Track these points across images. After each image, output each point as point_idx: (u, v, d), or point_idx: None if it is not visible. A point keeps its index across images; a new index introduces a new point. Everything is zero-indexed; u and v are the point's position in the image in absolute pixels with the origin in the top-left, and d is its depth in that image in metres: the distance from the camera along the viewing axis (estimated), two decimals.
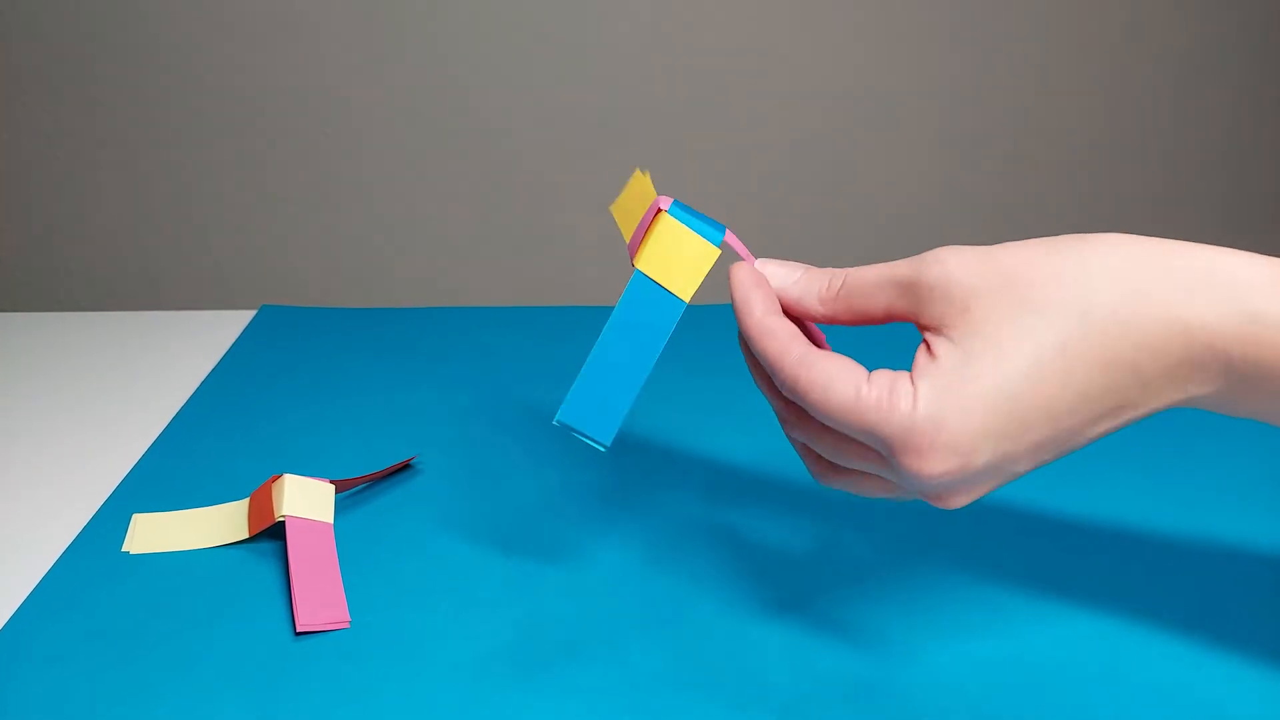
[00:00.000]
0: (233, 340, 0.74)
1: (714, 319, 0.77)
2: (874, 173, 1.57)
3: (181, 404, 0.65)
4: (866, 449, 0.36)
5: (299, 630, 0.44)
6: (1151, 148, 1.60)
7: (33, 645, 0.43)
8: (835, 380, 0.35)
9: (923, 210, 1.60)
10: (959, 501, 0.36)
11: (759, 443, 0.60)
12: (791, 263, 0.40)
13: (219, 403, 0.64)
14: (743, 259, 0.40)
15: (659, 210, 0.39)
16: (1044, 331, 0.34)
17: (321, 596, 0.45)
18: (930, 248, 1.61)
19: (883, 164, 1.57)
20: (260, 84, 1.49)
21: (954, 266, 0.35)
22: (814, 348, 0.37)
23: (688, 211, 0.40)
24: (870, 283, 0.37)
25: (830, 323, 0.39)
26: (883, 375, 0.35)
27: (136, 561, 0.49)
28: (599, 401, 0.39)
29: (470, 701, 0.40)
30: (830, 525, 0.52)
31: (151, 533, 0.51)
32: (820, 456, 0.39)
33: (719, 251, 0.39)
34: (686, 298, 0.39)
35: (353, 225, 1.56)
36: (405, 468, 0.57)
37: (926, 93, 1.55)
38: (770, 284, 0.39)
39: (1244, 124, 1.60)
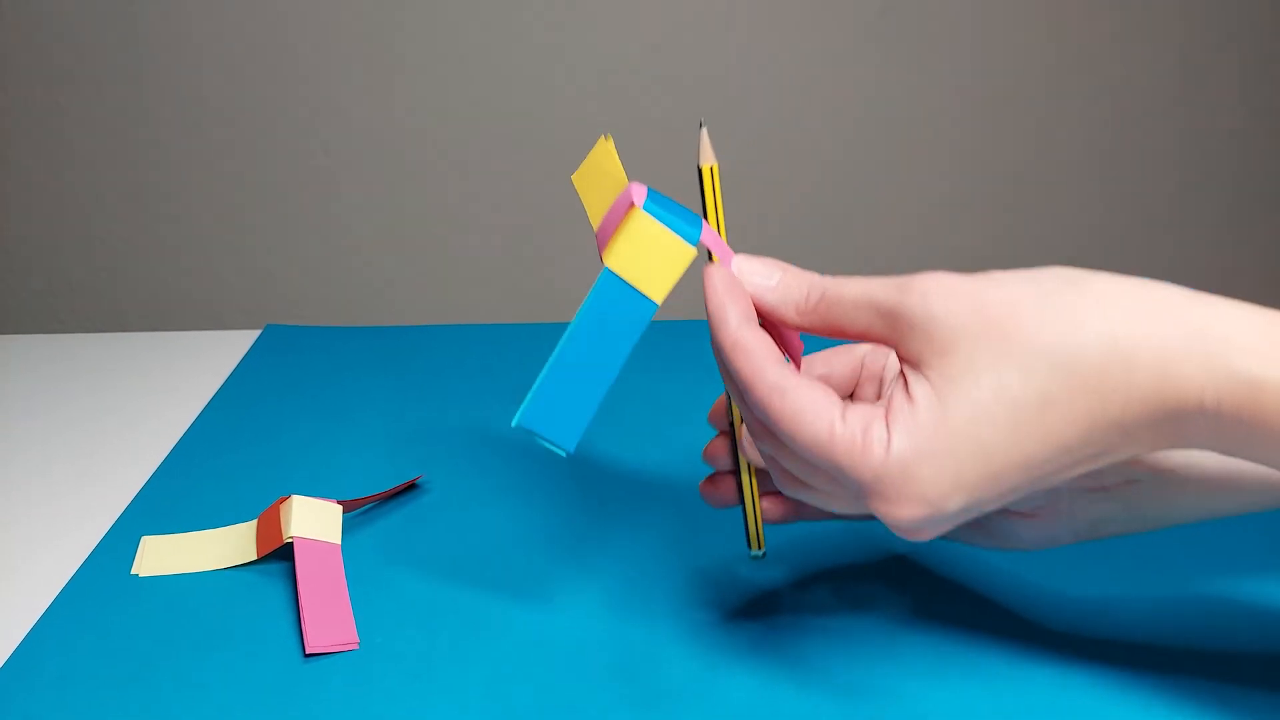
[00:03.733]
0: (238, 360, 0.74)
1: None
2: (876, 176, 1.58)
3: (188, 425, 0.65)
4: (835, 480, 0.36)
5: (308, 652, 0.44)
6: (1158, 151, 1.60)
7: (44, 668, 0.43)
8: (808, 414, 0.35)
9: (924, 213, 1.60)
10: (926, 536, 0.36)
11: None
12: (771, 261, 0.38)
13: (225, 423, 0.65)
14: (718, 256, 0.38)
15: (632, 204, 0.37)
16: (1026, 385, 0.33)
17: (330, 618, 0.45)
18: (932, 252, 1.61)
19: (886, 168, 1.58)
20: (264, 106, 1.49)
21: (936, 301, 0.34)
22: (789, 372, 0.36)
23: (662, 205, 0.37)
24: (849, 301, 0.36)
25: (806, 333, 0.38)
26: (857, 414, 0.34)
27: (146, 584, 0.49)
28: (562, 405, 0.37)
29: None
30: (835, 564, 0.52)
31: (160, 555, 0.51)
32: (786, 470, 0.38)
33: (695, 252, 0.37)
34: (659, 299, 0.37)
35: (356, 244, 1.56)
36: (411, 487, 0.57)
37: (929, 98, 1.55)
38: (747, 287, 0.38)
39: (1256, 128, 1.61)
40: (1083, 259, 1.64)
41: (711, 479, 0.45)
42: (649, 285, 0.37)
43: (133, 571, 0.50)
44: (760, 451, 0.39)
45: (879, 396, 0.45)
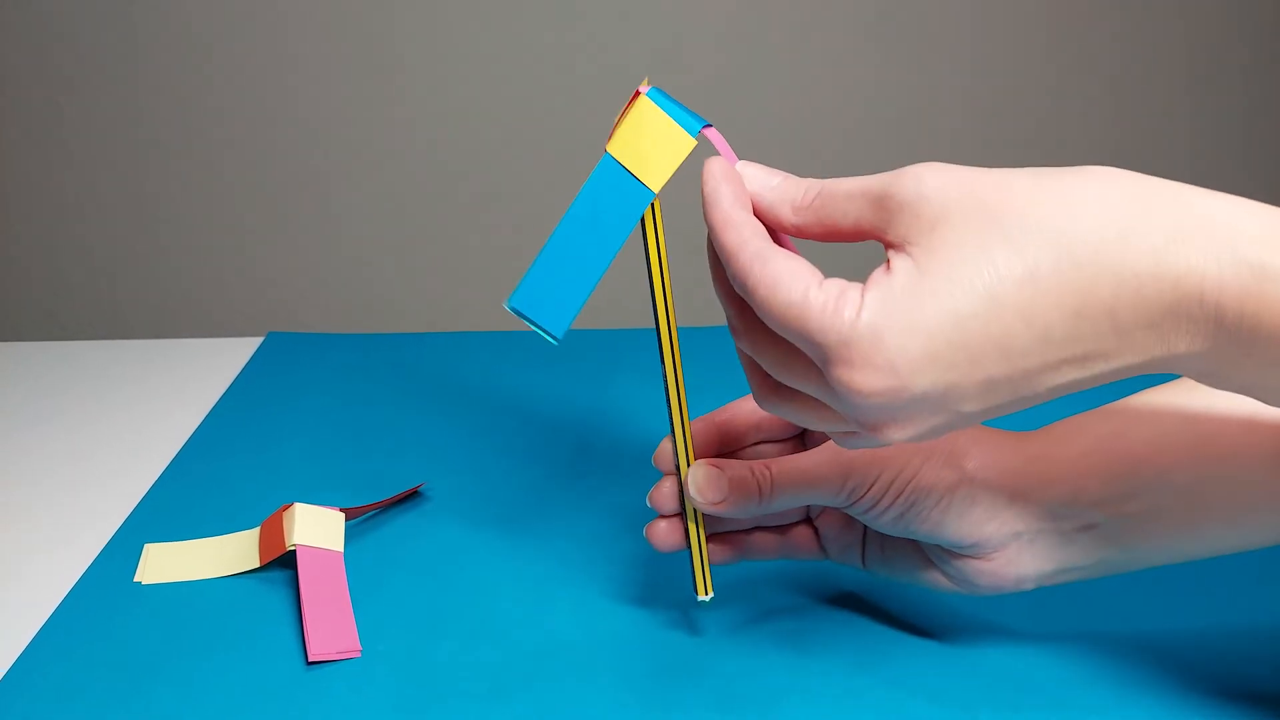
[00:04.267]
0: (240, 368, 0.74)
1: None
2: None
3: (190, 432, 0.65)
4: (810, 366, 0.34)
5: (310, 660, 0.44)
6: (1161, 152, 1.60)
7: (47, 676, 0.43)
8: (785, 278, 0.33)
9: None
10: (897, 432, 0.33)
11: None
12: (773, 169, 0.37)
13: (227, 431, 0.65)
14: (723, 156, 0.38)
15: (637, 93, 0.37)
16: (1010, 260, 0.31)
17: (332, 626, 0.46)
18: None
19: (886, 169, 1.58)
20: (266, 112, 1.49)
21: (929, 182, 0.32)
22: (776, 247, 0.34)
23: (670, 100, 0.37)
24: (843, 193, 0.34)
25: (800, 235, 0.36)
26: (835, 282, 0.33)
27: (148, 591, 0.49)
28: (554, 290, 0.37)
29: None
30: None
31: (163, 562, 0.51)
32: (766, 376, 0.37)
33: (695, 142, 0.37)
34: (656, 188, 0.37)
35: (359, 251, 1.56)
36: (413, 495, 0.57)
37: (929, 100, 1.55)
38: (747, 185, 0.36)
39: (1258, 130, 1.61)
40: None
41: (657, 522, 0.44)
42: (647, 173, 0.37)
43: (135, 579, 0.50)
44: (741, 355, 0.38)
45: None
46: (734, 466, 0.41)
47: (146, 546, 0.52)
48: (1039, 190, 0.32)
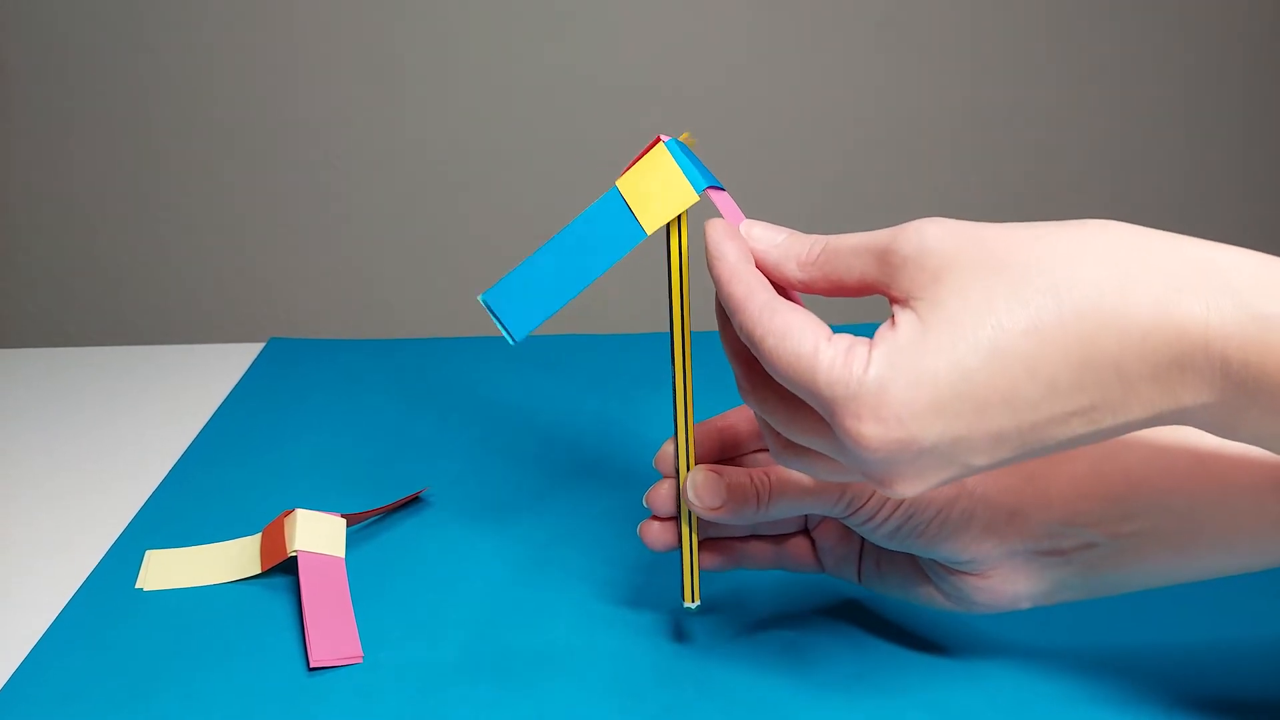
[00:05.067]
0: (241, 373, 0.74)
1: None
2: (878, 185, 1.58)
3: (191, 439, 0.65)
4: (819, 421, 0.34)
5: (312, 666, 0.44)
6: (1164, 160, 1.60)
7: (48, 683, 0.43)
8: (794, 330, 0.33)
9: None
10: (905, 486, 0.33)
11: None
12: (778, 226, 0.38)
13: (229, 437, 0.65)
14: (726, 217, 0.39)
15: (658, 139, 0.39)
16: (1015, 310, 0.31)
17: (334, 632, 0.45)
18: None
19: (886, 178, 1.58)
20: (268, 118, 1.50)
21: (930, 236, 0.33)
22: (784, 300, 0.35)
23: (686, 154, 0.39)
24: (847, 248, 0.35)
25: (807, 291, 0.37)
26: (843, 338, 0.33)
27: (150, 598, 0.49)
28: (526, 297, 0.39)
29: None
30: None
31: (165, 569, 0.51)
32: (777, 433, 0.37)
33: (697, 198, 0.38)
34: (649, 230, 0.38)
35: (360, 257, 1.56)
36: (415, 500, 0.57)
37: (930, 108, 1.55)
38: (752, 244, 0.37)
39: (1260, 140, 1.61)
40: None
41: (650, 522, 0.44)
42: (645, 214, 0.38)
43: (137, 585, 0.50)
44: (754, 413, 0.38)
45: None
46: (733, 473, 0.41)
47: (148, 553, 0.52)
48: (1039, 242, 0.32)
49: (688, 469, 0.42)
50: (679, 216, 0.39)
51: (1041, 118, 1.58)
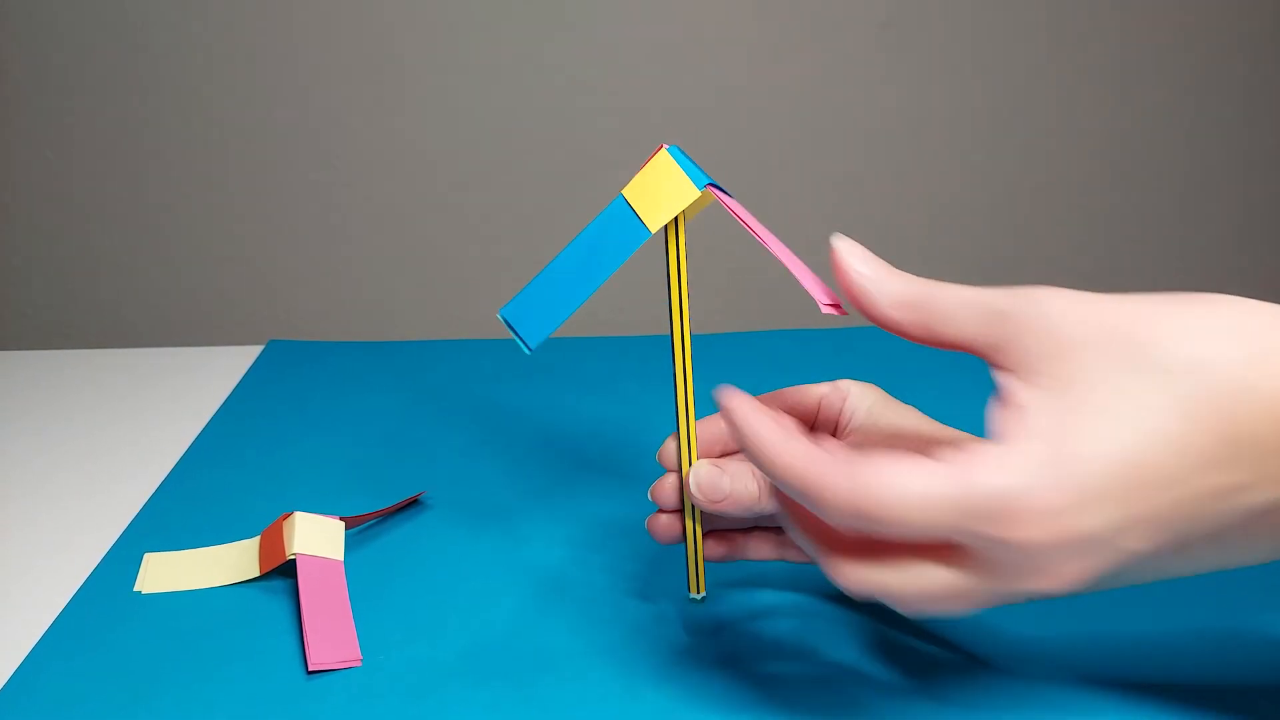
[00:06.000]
0: (240, 376, 0.74)
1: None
2: (878, 189, 1.58)
3: (190, 441, 0.65)
4: (946, 547, 0.32)
5: (311, 669, 0.44)
6: (1167, 163, 1.60)
7: (46, 686, 0.43)
8: (897, 476, 0.31)
9: (928, 226, 1.60)
10: (1070, 574, 0.32)
11: None
12: (868, 253, 0.35)
13: (228, 439, 0.65)
14: (781, 259, 0.38)
15: (661, 147, 0.41)
16: (1164, 392, 0.30)
17: (333, 635, 0.45)
18: (936, 264, 1.61)
19: (889, 181, 1.58)
20: (267, 120, 1.50)
21: (1055, 307, 0.32)
22: (847, 451, 0.32)
23: (686, 159, 0.41)
24: (955, 299, 0.33)
25: (894, 332, 0.35)
26: (947, 450, 0.31)
27: (148, 601, 0.49)
28: (539, 308, 0.40)
29: None
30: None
31: (163, 572, 0.51)
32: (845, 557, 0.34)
33: (699, 192, 0.40)
34: (653, 228, 0.40)
35: (360, 259, 1.56)
36: (414, 503, 0.57)
37: (932, 112, 1.55)
38: (843, 268, 0.35)
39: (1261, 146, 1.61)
40: (1090, 270, 1.64)
41: (658, 516, 0.45)
42: (650, 214, 0.40)
43: (135, 588, 0.50)
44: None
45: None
46: (735, 466, 0.41)
47: (146, 556, 0.52)
48: (1170, 319, 0.32)
49: (690, 463, 0.43)
50: (677, 217, 0.40)
51: (1046, 121, 1.58)
